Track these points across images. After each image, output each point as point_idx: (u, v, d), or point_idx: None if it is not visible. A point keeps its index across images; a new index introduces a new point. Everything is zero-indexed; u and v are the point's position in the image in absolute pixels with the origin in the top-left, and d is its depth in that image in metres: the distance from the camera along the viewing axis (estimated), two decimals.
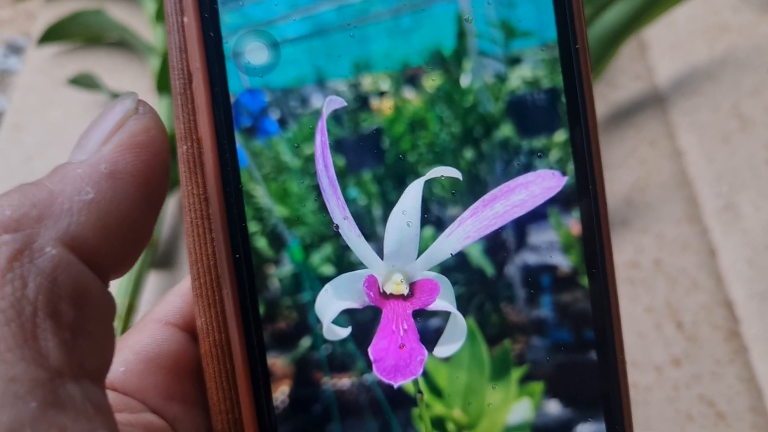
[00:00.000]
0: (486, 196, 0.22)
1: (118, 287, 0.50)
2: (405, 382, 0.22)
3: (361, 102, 0.22)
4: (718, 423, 0.46)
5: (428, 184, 0.22)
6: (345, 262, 0.22)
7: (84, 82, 0.60)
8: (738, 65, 0.62)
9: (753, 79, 0.61)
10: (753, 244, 0.53)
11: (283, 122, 0.22)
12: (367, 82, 0.22)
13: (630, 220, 0.56)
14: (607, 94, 0.61)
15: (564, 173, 0.22)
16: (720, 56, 0.63)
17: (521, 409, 0.22)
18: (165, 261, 0.55)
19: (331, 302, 0.22)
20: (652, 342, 0.50)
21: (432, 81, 0.22)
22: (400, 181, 0.22)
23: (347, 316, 0.22)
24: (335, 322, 0.22)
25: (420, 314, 0.22)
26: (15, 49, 0.69)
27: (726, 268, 0.52)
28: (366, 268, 0.22)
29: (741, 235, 0.53)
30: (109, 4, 0.68)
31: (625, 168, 0.58)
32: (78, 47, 0.68)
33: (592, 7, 0.56)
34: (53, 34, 0.64)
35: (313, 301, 0.22)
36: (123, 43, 0.67)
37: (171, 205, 0.57)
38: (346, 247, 0.22)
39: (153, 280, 0.54)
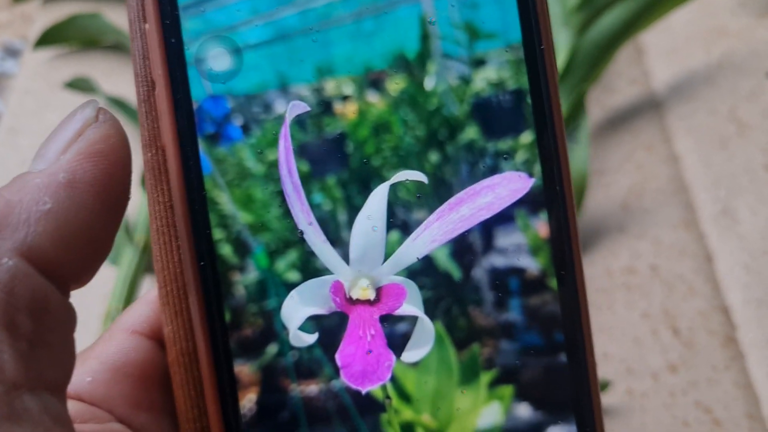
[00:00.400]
0: (452, 200, 0.22)
1: (112, 292, 0.50)
2: (373, 388, 0.22)
3: (325, 106, 0.22)
4: (715, 429, 0.46)
5: (393, 188, 0.22)
6: (310, 268, 0.22)
7: (80, 85, 0.60)
8: (735, 69, 0.62)
9: (750, 84, 0.61)
10: (750, 249, 0.52)
11: (246, 128, 0.22)
12: (330, 87, 0.22)
13: (626, 225, 0.55)
14: (604, 99, 0.61)
15: (531, 175, 0.22)
16: (717, 60, 0.63)
17: (491, 413, 0.22)
18: None
19: (297, 308, 0.22)
20: (648, 348, 0.50)
21: (396, 84, 0.22)
22: (364, 185, 0.22)
23: (314, 322, 0.22)
24: (302, 328, 0.22)
25: (387, 319, 0.22)
26: (12, 53, 0.70)
27: (723, 274, 0.52)
28: (332, 273, 0.22)
29: (738, 240, 0.53)
30: (105, 7, 0.68)
31: (621, 173, 0.58)
32: (75, 51, 0.68)
33: (589, 11, 0.56)
34: (50, 38, 0.65)
35: (279, 307, 0.22)
36: (119, 47, 0.67)
37: None
38: (312, 253, 0.22)
39: (147, 284, 0.54)
